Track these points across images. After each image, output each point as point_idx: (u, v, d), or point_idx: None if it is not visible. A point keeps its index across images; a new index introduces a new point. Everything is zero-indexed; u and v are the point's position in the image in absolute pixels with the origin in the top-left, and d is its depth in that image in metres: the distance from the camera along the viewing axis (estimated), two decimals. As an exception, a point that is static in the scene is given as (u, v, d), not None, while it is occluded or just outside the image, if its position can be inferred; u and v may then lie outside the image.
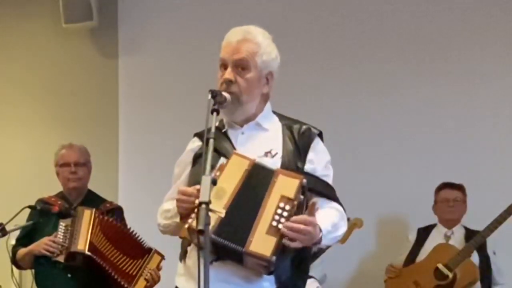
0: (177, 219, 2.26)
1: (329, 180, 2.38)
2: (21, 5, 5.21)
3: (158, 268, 3.64)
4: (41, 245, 3.61)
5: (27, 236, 3.78)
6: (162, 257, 3.65)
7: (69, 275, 3.61)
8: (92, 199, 3.86)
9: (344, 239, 4.18)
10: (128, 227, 3.78)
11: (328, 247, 4.03)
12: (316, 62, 4.80)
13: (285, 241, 2.09)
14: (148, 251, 3.66)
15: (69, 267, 3.58)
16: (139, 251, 3.66)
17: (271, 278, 2.19)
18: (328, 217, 2.25)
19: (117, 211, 3.86)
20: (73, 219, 3.62)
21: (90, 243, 3.51)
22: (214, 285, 1.92)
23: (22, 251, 3.74)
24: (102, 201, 3.89)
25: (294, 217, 2.11)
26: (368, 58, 4.77)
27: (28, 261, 3.73)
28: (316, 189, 2.30)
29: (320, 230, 2.16)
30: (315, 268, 4.33)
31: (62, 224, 3.64)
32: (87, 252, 3.49)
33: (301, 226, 2.08)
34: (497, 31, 4.67)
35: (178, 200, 2.19)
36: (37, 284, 3.77)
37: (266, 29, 2.40)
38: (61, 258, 3.57)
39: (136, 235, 3.70)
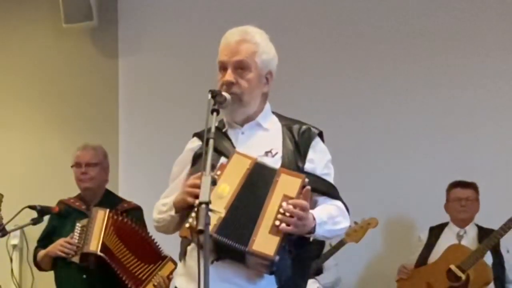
0: (172, 212, 2.27)
1: (330, 179, 2.37)
2: (21, 6, 5.21)
3: (169, 277, 3.59)
4: (57, 246, 3.63)
5: (47, 237, 3.80)
6: (176, 265, 3.57)
7: (84, 276, 3.60)
8: (110, 199, 3.85)
9: (358, 238, 4.19)
10: (148, 231, 3.69)
11: (319, 245, 4.03)
12: (321, 62, 4.79)
13: (281, 225, 2.09)
14: (163, 257, 3.63)
15: (85, 268, 3.57)
16: (153, 256, 3.63)
17: (272, 278, 2.18)
18: (325, 210, 2.26)
19: (135, 212, 3.82)
20: (89, 219, 3.62)
21: (103, 243, 3.50)
22: (215, 284, 1.92)
23: (41, 252, 3.76)
24: (120, 201, 3.89)
25: (290, 200, 2.12)
26: (373, 58, 4.77)
27: (47, 262, 3.74)
28: (317, 188, 2.29)
29: (314, 219, 2.17)
30: (329, 271, 4.33)
31: (78, 225, 3.64)
32: (99, 253, 3.48)
33: (292, 208, 2.10)
34: (507, 29, 4.67)
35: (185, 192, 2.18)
36: (56, 285, 3.77)
37: (267, 29, 2.40)
38: (76, 259, 3.57)
39: (153, 240, 3.66)
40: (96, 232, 3.53)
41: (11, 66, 5.22)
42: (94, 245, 3.49)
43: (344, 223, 2.32)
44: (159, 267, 3.61)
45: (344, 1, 4.89)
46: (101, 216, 3.58)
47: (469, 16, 4.71)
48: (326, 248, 4.22)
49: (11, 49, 5.22)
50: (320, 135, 2.41)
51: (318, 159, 2.35)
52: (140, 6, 5.09)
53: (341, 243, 4.18)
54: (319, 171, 2.34)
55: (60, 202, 3.84)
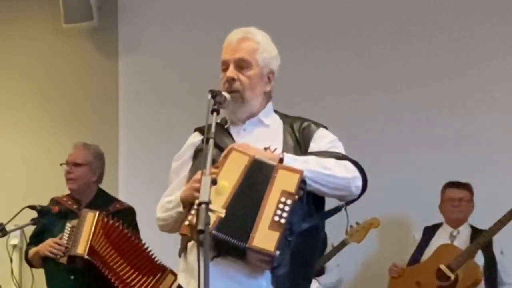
0: (180, 208, 2.26)
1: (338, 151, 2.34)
2: (21, 6, 5.21)
3: None
4: (46, 246, 3.60)
5: (39, 235, 3.77)
6: (176, 277, 3.46)
7: (72, 277, 3.58)
8: (102, 199, 3.81)
9: (360, 239, 4.19)
10: (143, 242, 3.63)
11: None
12: (320, 60, 4.78)
13: None
14: (162, 269, 3.56)
15: (73, 269, 3.54)
16: (150, 267, 3.56)
17: (269, 276, 2.17)
18: (313, 155, 2.26)
19: (126, 212, 3.78)
20: (78, 220, 3.58)
21: (91, 247, 3.45)
22: (216, 281, 1.92)
23: (32, 250, 3.74)
24: (113, 201, 3.85)
25: None
26: (370, 58, 4.76)
27: (38, 261, 3.73)
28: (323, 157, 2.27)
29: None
30: (330, 271, 4.32)
31: (68, 225, 3.60)
32: (86, 256, 3.44)
33: None
34: (503, 27, 4.66)
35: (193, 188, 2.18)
36: (46, 284, 3.76)
37: (269, 28, 2.43)
38: (64, 260, 3.54)
39: (147, 248, 3.60)
40: (84, 235, 3.47)
41: (11, 66, 5.22)
42: (82, 248, 3.45)
43: (342, 173, 2.25)
44: (159, 280, 3.53)
45: (345, 2, 4.89)
46: (90, 219, 3.52)
47: (468, 16, 4.71)
48: (328, 249, 4.22)
49: (11, 49, 5.22)
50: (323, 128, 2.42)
51: (321, 141, 2.35)
52: (140, 6, 5.09)
53: (343, 244, 4.17)
54: (323, 148, 2.33)
55: (53, 200, 3.81)
